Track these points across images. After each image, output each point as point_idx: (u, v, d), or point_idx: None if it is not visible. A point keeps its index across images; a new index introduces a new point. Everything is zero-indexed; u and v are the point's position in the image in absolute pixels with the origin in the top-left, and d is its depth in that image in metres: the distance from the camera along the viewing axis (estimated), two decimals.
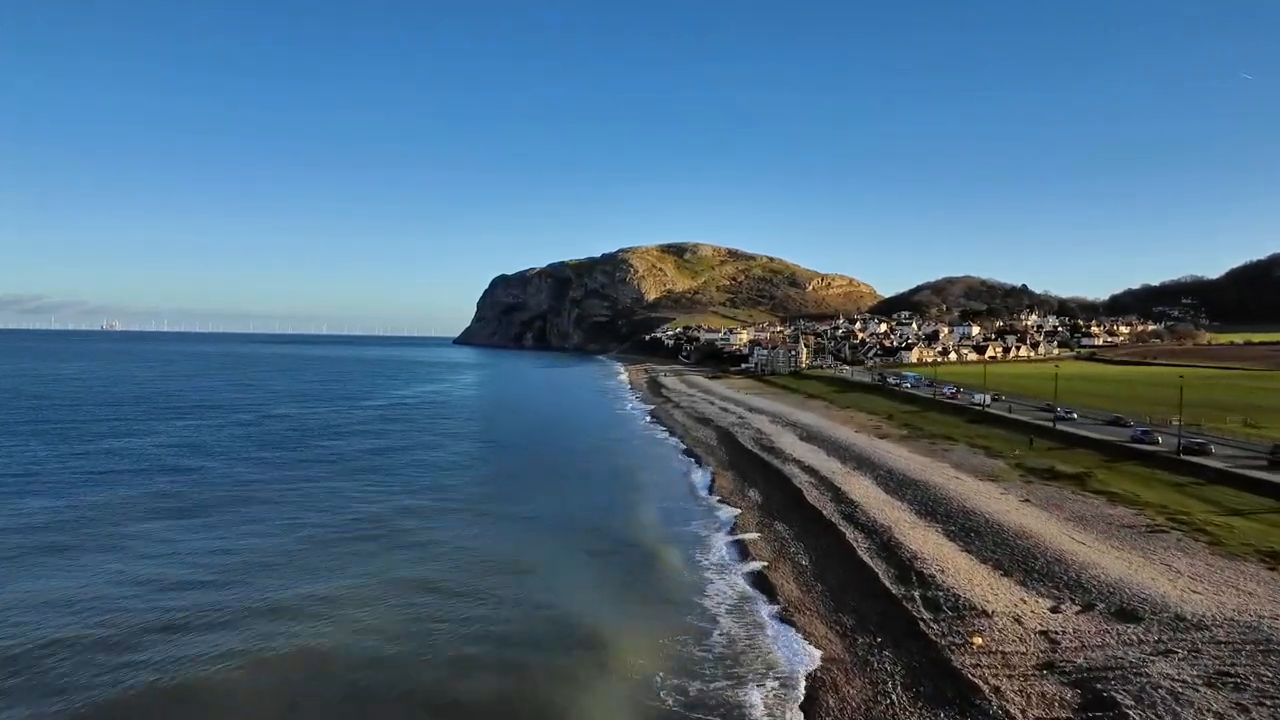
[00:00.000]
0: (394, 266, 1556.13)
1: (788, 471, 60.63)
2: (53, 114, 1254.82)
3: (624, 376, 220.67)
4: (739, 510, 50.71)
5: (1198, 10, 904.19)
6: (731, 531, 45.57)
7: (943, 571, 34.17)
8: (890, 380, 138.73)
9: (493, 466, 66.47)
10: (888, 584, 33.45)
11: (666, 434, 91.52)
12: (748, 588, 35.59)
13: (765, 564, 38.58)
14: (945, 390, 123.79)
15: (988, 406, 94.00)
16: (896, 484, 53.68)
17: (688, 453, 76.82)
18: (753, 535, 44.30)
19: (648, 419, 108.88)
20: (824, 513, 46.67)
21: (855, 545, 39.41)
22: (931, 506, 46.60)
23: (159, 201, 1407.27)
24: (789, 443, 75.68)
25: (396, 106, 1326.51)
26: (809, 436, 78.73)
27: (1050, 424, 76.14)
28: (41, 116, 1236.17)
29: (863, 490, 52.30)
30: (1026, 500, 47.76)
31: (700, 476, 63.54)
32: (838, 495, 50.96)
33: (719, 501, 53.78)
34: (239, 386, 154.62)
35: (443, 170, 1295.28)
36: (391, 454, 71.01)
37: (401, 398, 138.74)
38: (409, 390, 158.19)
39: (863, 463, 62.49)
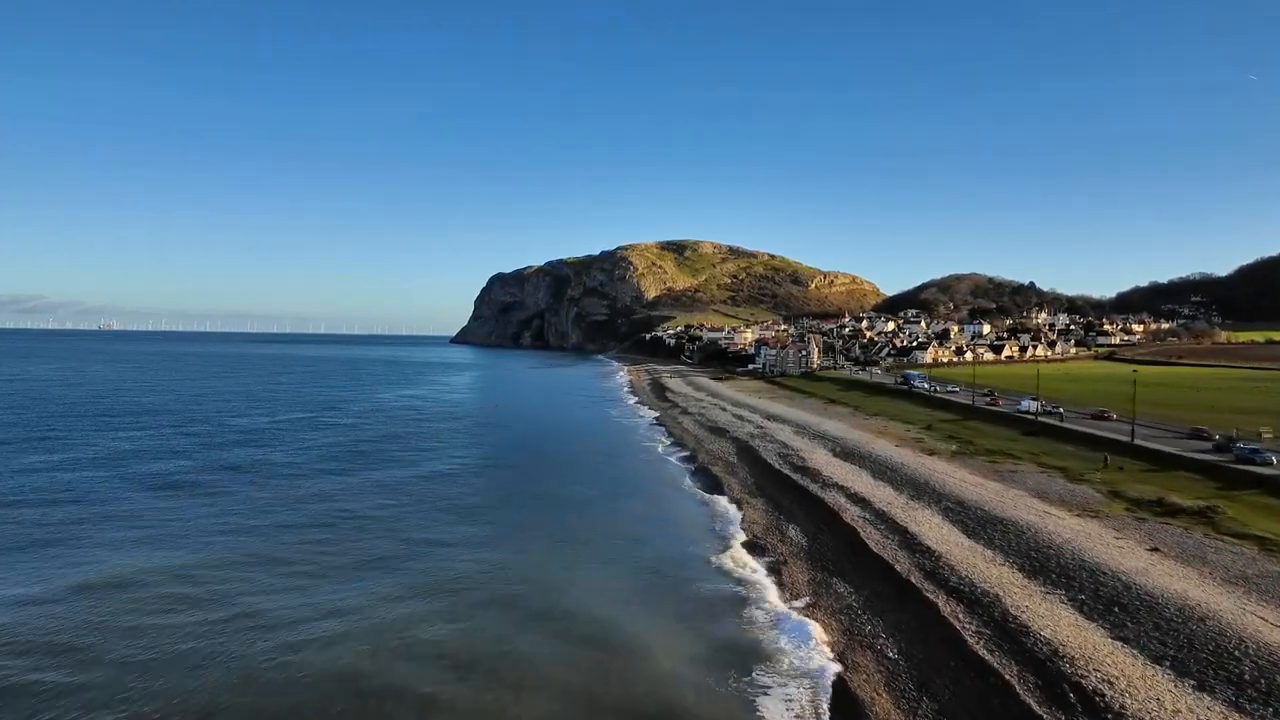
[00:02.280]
0: (392, 265, 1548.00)
1: (831, 501, 49.79)
2: (52, 113, 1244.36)
3: (625, 378, 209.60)
4: (779, 557, 39.92)
5: (1202, 8, 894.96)
6: (777, 593, 34.70)
7: (1110, 683, 23.36)
8: (916, 383, 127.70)
9: (470, 512, 51.44)
10: (1036, 706, 22.61)
11: (676, 447, 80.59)
12: (816, 701, 24.82)
13: (837, 656, 27.76)
14: (948, 388, 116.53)
15: (1039, 415, 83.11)
16: (976, 522, 42.85)
17: (703, 471, 65.96)
18: (806, 601, 33.47)
19: (654, 429, 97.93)
20: (896, 567, 35.84)
21: (959, 627, 28.57)
22: (1037, 559, 35.76)
23: (158, 201, 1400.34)
24: (822, 460, 64.85)
25: (395, 104, 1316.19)
26: (845, 453, 67.82)
27: (1128, 438, 65.40)
28: (41, 116, 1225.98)
29: (935, 531, 41.48)
30: (1154, 549, 36.97)
31: (723, 506, 52.59)
32: (907, 539, 40.12)
33: (750, 544, 42.91)
34: (207, 391, 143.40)
35: (440, 168, 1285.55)
36: (336, 499, 54.16)
37: (382, 404, 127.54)
38: (394, 394, 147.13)
39: (921, 490, 51.64)
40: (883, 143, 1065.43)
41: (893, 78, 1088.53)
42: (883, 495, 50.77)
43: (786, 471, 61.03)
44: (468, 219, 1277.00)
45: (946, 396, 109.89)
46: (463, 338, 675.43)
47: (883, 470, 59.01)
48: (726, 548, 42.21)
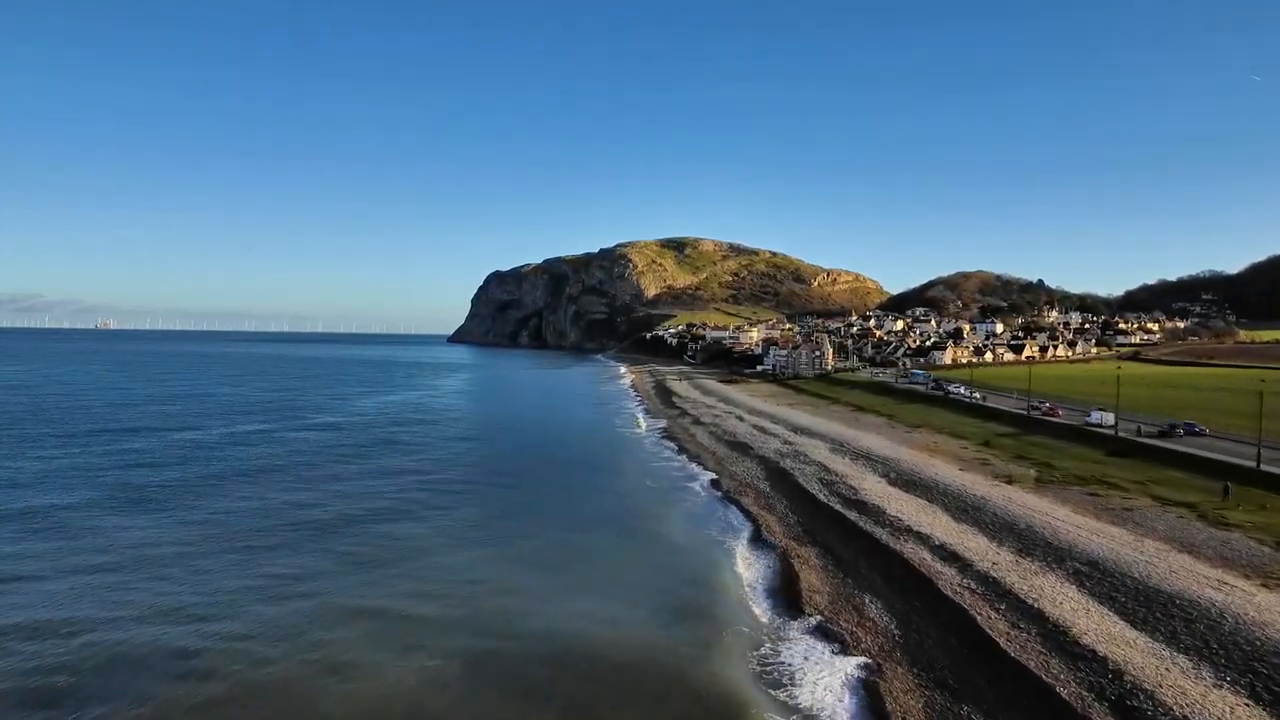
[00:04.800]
0: (390, 264, 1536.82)
1: (912, 557, 37.65)
2: (52, 113, 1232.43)
3: (626, 380, 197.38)
4: (868, 661, 27.78)
5: (1201, 8, 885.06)
6: None
7: None
8: (953, 389, 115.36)
9: (448, 570, 42.30)
10: None
11: (693, 467, 68.46)
12: None
13: None
14: (955, 386, 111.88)
15: (1118, 430, 70.95)
16: (1132, 600, 30.65)
17: (730, 502, 53.92)
18: None
19: (663, 443, 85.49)
20: (1062, 692, 23.69)
21: None
22: (1273, 679, 23.72)
23: (157, 201, 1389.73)
24: (878, 490, 52.74)
25: (393, 104, 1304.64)
26: (904, 481, 55.62)
27: (1253, 463, 53.36)
28: (40, 114, 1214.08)
29: (1084, 616, 29.28)
30: None
31: (766, 562, 40.41)
32: (1051, 634, 27.88)
33: (819, 629, 30.78)
34: (179, 394, 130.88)
35: (439, 166, 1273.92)
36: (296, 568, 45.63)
37: (362, 411, 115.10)
38: (378, 400, 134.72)
39: (1026, 540, 39.51)
40: (884, 140, 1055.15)
41: (893, 77, 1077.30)
42: (977, 547, 38.69)
43: (837, 507, 48.91)
44: (466, 217, 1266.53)
45: (994, 404, 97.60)
46: (460, 337, 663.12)
47: (962, 507, 46.87)
48: (786, 639, 30.01)
